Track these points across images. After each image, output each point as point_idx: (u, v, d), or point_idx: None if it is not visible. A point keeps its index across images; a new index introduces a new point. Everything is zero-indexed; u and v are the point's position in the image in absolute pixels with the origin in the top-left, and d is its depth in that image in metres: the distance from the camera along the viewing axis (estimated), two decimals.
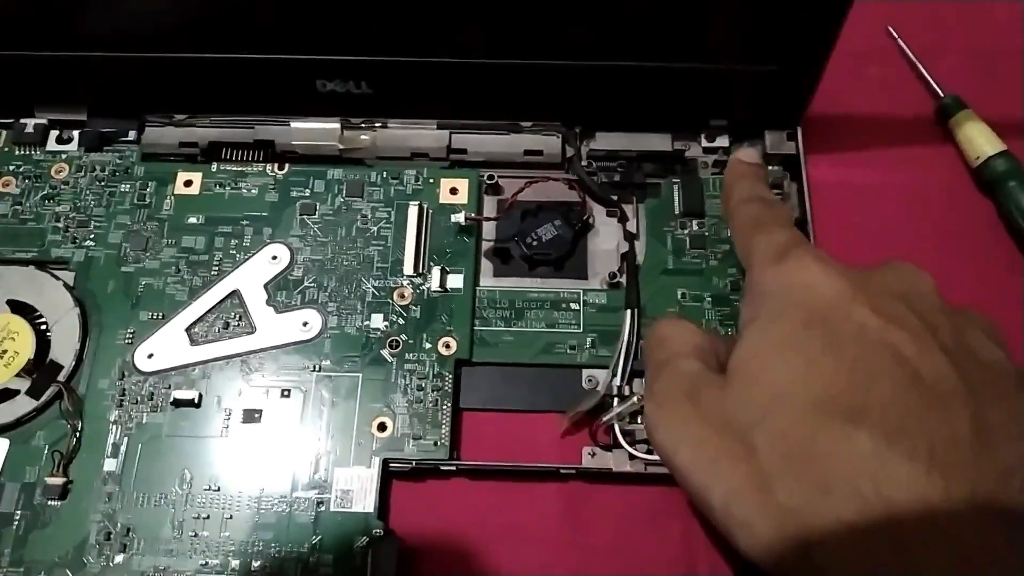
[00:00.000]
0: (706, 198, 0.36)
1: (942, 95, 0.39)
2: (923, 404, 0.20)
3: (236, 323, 0.33)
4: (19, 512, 0.30)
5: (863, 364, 0.21)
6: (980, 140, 0.37)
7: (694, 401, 0.23)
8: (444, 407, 0.32)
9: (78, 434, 0.31)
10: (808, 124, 0.36)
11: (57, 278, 0.34)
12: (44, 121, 0.37)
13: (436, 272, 0.34)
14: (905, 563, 0.19)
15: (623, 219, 0.35)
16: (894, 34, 0.41)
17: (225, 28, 0.32)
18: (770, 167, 0.36)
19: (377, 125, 0.36)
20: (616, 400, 0.31)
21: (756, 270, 0.25)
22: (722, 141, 0.36)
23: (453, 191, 0.36)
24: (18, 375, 0.32)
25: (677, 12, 0.31)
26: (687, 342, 0.26)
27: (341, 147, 0.36)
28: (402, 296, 0.34)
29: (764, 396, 0.22)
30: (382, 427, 0.31)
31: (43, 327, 0.33)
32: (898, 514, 0.19)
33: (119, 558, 0.29)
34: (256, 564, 0.29)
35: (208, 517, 0.30)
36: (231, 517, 0.30)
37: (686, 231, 0.35)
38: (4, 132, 0.38)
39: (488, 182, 0.36)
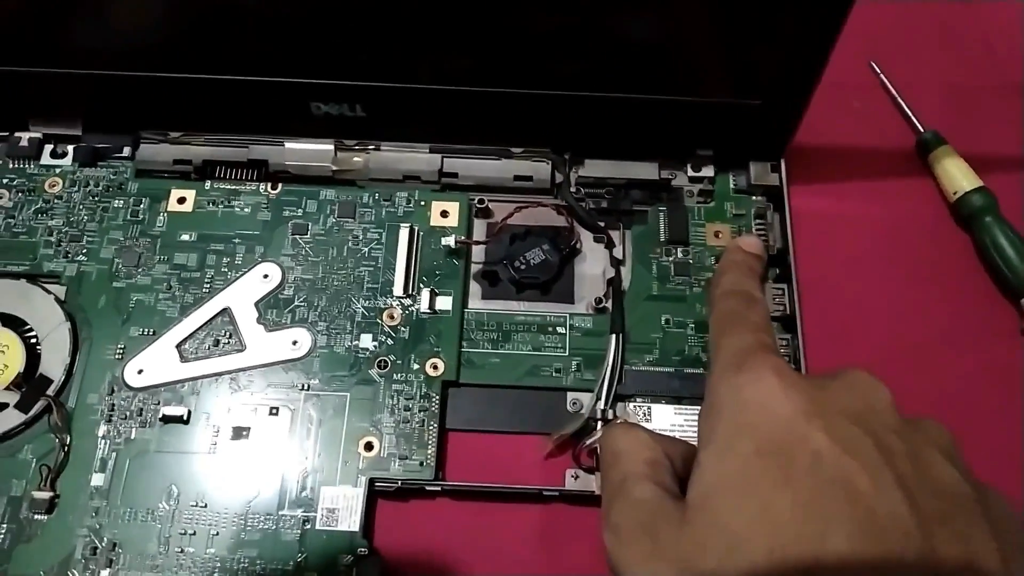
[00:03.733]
0: (691, 226, 0.36)
1: (922, 130, 0.40)
2: (877, 554, 0.20)
3: (226, 340, 0.34)
4: (4, 526, 0.30)
5: (818, 506, 0.21)
6: (958, 175, 0.38)
7: (652, 537, 0.23)
8: (430, 428, 0.32)
9: (66, 448, 0.31)
10: (792, 155, 0.37)
11: (48, 292, 0.34)
12: (39, 135, 0.37)
13: (425, 293, 0.34)
14: None
15: (610, 245, 0.36)
16: (876, 69, 0.42)
17: (222, 50, 0.33)
18: (754, 197, 0.37)
19: (370, 147, 0.37)
20: (600, 423, 0.32)
21: (715, 375, 0.25)
22: (708, 171, 0.37)
23: (444, 214, 0.36)
24: (7, 388, 0.32)
25: (665, 47, 0.32)
26: (640, 459, 0.25)
27: (334, 168, 0.37)
28: (391, 317, 0.34)
29: (721, 543, 0.21)
30: (369, 446, 0.32)
31: (33, 341, 0.33)
32: None
33: (105, 573, 0.30)
34: None
35: (194, 533, 0.30)
36: (217, 534, 0.30)
37: (671, 258, 0.36)
38: None
39: (478, 206, 0.36)
